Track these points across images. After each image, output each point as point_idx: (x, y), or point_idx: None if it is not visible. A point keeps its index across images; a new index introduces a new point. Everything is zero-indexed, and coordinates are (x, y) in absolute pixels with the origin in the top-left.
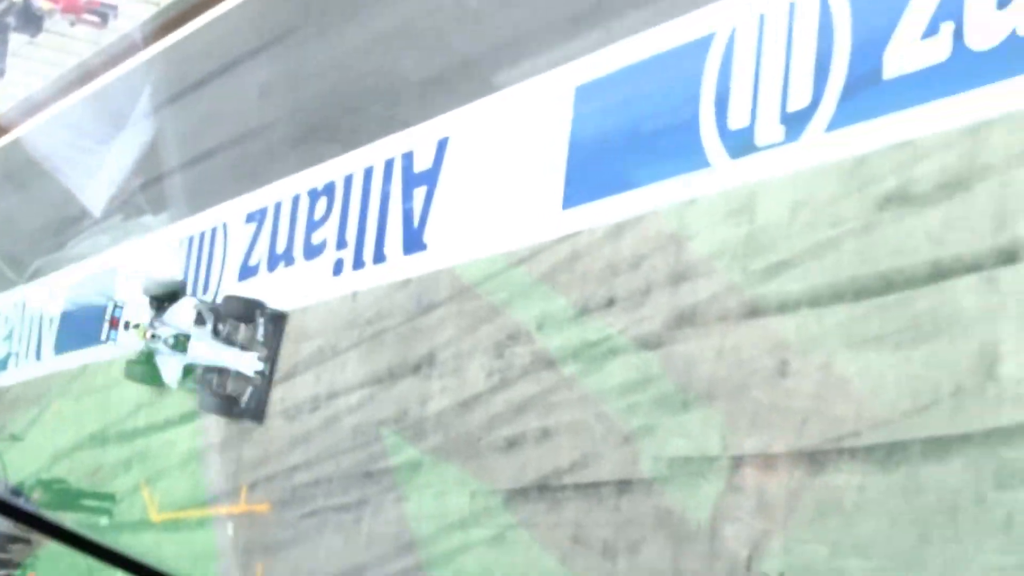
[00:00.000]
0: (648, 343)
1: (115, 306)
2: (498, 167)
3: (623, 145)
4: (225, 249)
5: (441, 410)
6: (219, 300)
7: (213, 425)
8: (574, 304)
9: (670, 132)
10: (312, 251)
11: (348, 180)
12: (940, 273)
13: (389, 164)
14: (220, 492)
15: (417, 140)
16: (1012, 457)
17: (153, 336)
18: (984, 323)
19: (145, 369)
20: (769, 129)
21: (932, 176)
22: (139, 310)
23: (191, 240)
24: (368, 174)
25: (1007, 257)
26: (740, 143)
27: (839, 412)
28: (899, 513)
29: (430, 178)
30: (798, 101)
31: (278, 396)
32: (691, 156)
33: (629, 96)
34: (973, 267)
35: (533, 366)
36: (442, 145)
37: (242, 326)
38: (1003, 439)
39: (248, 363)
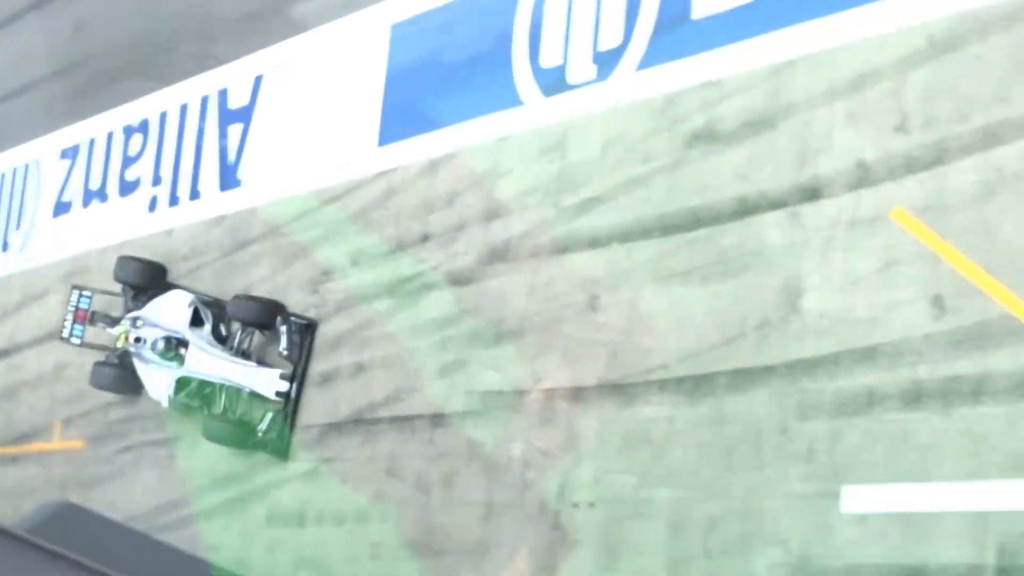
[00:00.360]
0: (461, 279)
1: (80, 295)
2: (314, 104)
3: (438, 83)
4: (39, 186)
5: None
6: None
7: (26, 361)
8: (388, 240)
9: (484, 70)
10: (127, 188)
11: (163, 117)
12: (746, 209)
13: (204, 101)
14: (33, 429)
15: (232, 77)
16: (814, 388)
17: (137, 339)
18: (788, 258)
19: (120, 374)
20: (581, 67)
21: (737, 115)
22: (112, 301)
23: (2, 177)
24: (183, 111)
25: (810, 194)
26: (552, 81)
27: (648, 345)
28: (706, 443)
29: (245, 115)
30: (609, 40)
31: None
32: (504, 94)
33: (444, 34)
34: (777, 203)
35: (347, 302)
36: (257, 82)
37: (256, 333)
38: (805, 371)
39: (267, 382)
